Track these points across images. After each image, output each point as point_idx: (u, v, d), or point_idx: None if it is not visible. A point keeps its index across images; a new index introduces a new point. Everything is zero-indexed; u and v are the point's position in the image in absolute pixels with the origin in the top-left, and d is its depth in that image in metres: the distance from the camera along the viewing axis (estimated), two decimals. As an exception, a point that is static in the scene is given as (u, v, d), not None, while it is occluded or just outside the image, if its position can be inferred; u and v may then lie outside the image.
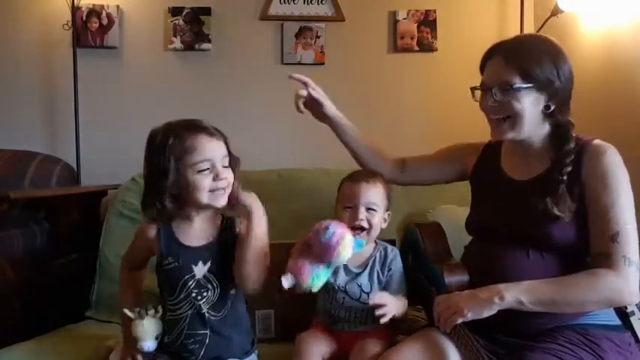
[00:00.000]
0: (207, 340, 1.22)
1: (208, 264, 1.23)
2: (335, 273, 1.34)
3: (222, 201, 1.22)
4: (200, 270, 1.23)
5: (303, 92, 1.41)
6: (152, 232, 1.27)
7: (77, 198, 2.08)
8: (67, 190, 2.08)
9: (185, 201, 1.22)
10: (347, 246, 1.10)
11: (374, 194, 1.36)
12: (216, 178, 1.19)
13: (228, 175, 1.22)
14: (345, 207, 1.37)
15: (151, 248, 1.28)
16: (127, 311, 1.25)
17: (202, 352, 1.22)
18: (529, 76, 1.17)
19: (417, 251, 1.32)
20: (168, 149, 1.19)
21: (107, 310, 1.79)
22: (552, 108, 1.20)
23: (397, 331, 1.40)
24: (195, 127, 1.22)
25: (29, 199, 1.87)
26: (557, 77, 1.18)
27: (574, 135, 1.20)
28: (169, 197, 1.20)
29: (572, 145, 1.18)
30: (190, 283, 1.22)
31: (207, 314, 1.23)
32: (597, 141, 1.20)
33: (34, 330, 1.60)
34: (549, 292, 1.10)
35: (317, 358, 1.30)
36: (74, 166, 2.25)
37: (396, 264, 1.38)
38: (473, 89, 1.28)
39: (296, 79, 1.41)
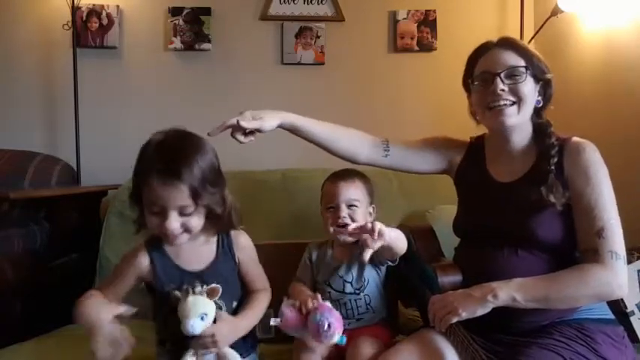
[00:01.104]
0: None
1: (213, 285, 1.14)
2: (318, 272, 1.44)
3: (176, 242, 1.14)
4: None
5: (238, 133, 1.25)
6: (144, 260, 1.18)
7: (77, 198, 2.08)
8: (67, 190, 2.08)
9: None
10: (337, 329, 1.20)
11: (353, 191, 1.40)
12: (160, 224, 1.09)
13: (185, 224, 1.10)
14: (328, 208, 1.42)
15: (141, 276, 1.19)
16: (177, 292, 1.12)
17: None
18: (531, 62, 1.23)
19: (410, 253, 1.33)
20: (138, 170, 1.12)
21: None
22: (541, 104, 1.26)
23: (396, 330, 1.41)
24: (162, 163, 1.07)
25: (29, 199, 1.87)
26: (548, 71, 1.26)
27: (553, 131, 1.25)
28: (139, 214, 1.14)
29: (553, 139, 1.22)
30: None
31: None
32: (575, 138, 1.23)
33: (34, 330, 1.60)
34: (542, 288, 1.12)
35: (317, 358, 1.31)
36: (74, 166, 2.25)
37: None
38: (467, 81, 1.31)
39: (219, 132, 1.23)
